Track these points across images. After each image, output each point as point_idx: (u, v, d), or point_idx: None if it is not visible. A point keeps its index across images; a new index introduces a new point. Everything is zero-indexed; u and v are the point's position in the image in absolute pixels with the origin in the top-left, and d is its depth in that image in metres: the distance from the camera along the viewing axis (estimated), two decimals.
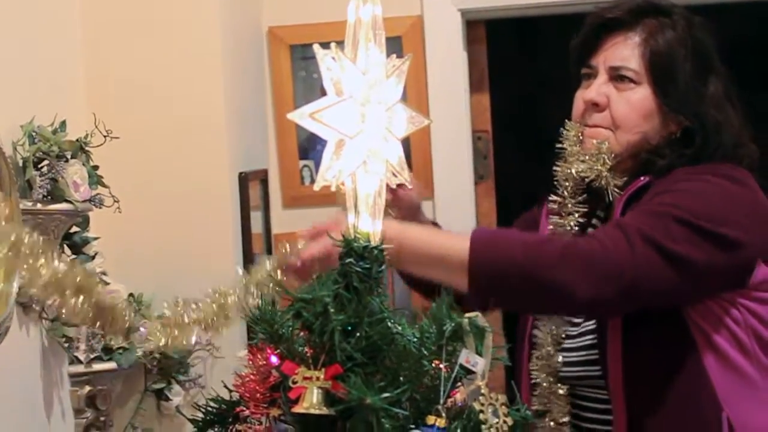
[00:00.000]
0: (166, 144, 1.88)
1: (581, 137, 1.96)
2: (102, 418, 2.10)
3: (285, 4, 2.97)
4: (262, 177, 2.59)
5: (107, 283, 2.01)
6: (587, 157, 1.89)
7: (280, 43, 2.93)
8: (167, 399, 2.20)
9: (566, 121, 2.01)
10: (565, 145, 1.95)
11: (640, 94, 1.90)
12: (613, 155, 1.87)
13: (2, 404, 1.67)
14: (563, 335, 1.89)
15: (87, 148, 1.88)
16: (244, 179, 2.31)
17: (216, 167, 2.12)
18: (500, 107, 3.32)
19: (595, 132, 1.93)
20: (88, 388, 2.04)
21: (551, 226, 1.98)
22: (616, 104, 1.91)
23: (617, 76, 1.91)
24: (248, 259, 2.31)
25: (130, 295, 2.09)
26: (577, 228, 1.92)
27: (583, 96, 1.96)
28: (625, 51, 1.92)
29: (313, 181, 2.98)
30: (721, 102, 1.91)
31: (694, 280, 1.76)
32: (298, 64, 2.97)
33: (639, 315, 1.80)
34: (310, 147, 2.89)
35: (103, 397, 2.07)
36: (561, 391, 1.88)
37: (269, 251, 2.60)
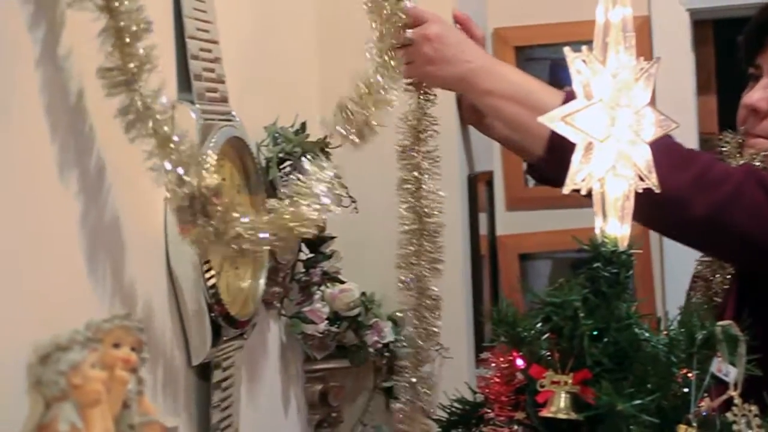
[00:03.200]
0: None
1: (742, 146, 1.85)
2: (333, 415, 2.14)
3: (510, 5, 2.97)
4: (488, 179, 2.59)
5: (342, 281, 2.05)
6: None
7: (505, 44, 2.94)
8: (396, 398, 2.22)
9: (724, 132, 1.91)
10: (723, 156, 1.87)
11: None
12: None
13: (248, 398, 1.72)
14: None
15: (326, 149, 1.92)
16: (473, 181, 2.32)
17: (448, 169, 2.13)
18: (726, 110, 3.24)
19: (754, 142, 1.81)
20: (321, 384, 2.09)
21: None
22: None
23: None
24: (476, 261, 2.31)
25: (363, 293, 2.12)
26: None
27: (743, 100, 1.85)
28: None
29: (537, 184, 2.99)
30: None
31: None
32: (523, 66, 2.97)
33: None
34: None
35: (335, 393, 2.12)
36: None
37: (493, 254, 2.60)
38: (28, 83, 1.13)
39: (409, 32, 1.77)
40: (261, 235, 1.31)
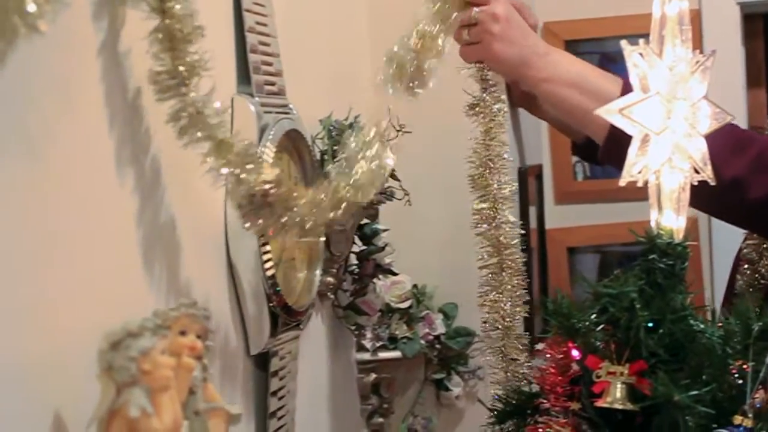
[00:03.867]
0: (454, 139, 1.92)
1: None
2: (385, 405, 2.16)
3: None
4: (538, 173, 2.59)
5: (394, 273, 2.07)
6: None
7: (554, 38, 2.94)
8: (447, 389, 2.23)
9: None
10: None
11: None
12: None
13: (303, 387, 1.74)
14: None
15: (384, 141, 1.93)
16: (523, 174, 2.33)
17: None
18: None
19: None
20: (373, 375, 2.10)
21: None
22: None
23: None
24: (526, 254, 2.32)
25: (414, 286, 2.13)
26: None
27: None
28: None
29: (586, 177, 3.00)
30: None
31: None
32: None
33: None
34: None
35: (387, 384, 2.14)
36: None
37: (542, 247, 2.60)
38: (88, 79, 1.14)
39: (476, 10, 1.76)
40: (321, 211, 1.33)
